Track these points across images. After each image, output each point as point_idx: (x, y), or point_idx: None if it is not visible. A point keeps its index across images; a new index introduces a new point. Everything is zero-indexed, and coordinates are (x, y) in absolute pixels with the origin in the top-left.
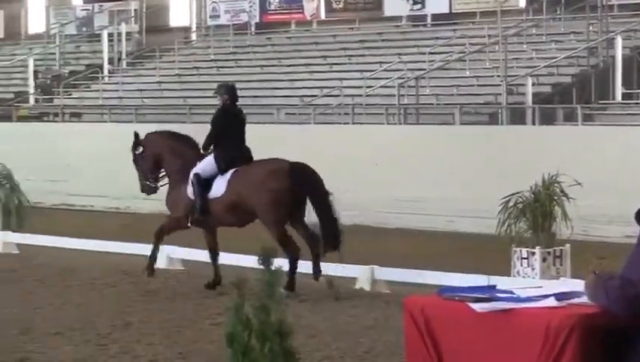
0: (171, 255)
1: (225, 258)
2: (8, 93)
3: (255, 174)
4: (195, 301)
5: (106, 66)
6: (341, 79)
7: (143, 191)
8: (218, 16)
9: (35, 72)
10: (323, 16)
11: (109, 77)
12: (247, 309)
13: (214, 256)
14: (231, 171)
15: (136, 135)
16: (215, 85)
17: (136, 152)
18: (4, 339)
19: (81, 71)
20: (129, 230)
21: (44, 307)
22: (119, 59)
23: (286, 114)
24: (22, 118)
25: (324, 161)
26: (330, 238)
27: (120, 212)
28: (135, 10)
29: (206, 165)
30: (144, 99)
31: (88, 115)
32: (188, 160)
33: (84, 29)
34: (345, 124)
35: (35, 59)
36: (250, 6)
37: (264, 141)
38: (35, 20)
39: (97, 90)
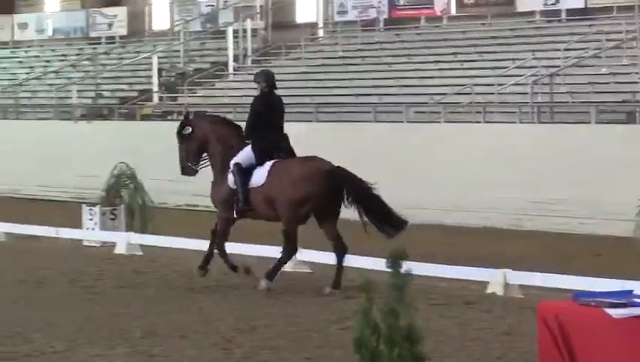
0: (298, 257)
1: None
2: (132, 91)
3: (293, 171)
4: (321, 304)
5: (231, 64)
6: (472, 77)
7: (183, 173)
8: (346, 12)
9: (159, 70)
10: (454, 12)
11: (234, 74)
12: (375, 313)
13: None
14: (271, 162)
15: (186, 115)
16: (344, 82)
17: (184, 132)
18: (128, 343)
19: (206, 68)
20: (250, 231)
21: (168, 309)
22: (244, 57)
23: (415, 112)
24: (145, 117)
25: (455, 160)
26: (387, 226)
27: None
28: (261, 6)
29: (246, 154)
30: None
31: None
32: (232, 148)
33: (209, 25)
34: (476, 123)
35: (159, 57)
36: (379, 1)
37: (390, 140)
38: (159, 17)
39: (222, 89)
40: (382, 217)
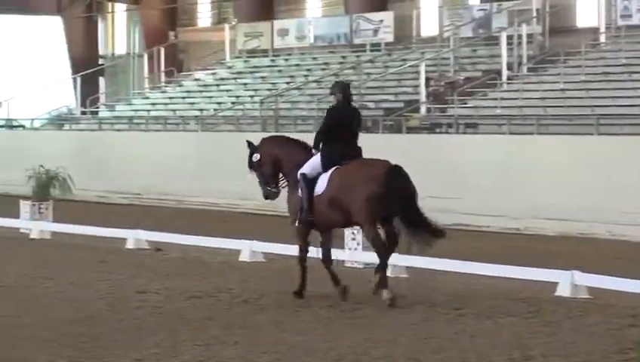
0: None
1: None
2: (398, 102)
3: (353, 174)
4: (601, 333)
5: (505, 72)
6: None
7: (266, 197)
8: (630, 16)
9: (427, 79)
10: None
11: (508, 84)
12: None
13: (327, 256)
14: (333, 168)
15: (250, 143)
16: (627, 92)
17: (254, 160)
18: None
19: (477, 77)
20: (520, 252)
21: (435, 336)
22: (519, 64)
23: None
24: (412, 129)
25: None
26: (418, 235)
27: (518, 233)
28: (537, 9)
29: (312, 164)
30: (546, 109)
31: (485, 126)
32: (301, 161)
33: (481, 31)
34: None
35: (426, 65)
36: None
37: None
38: (428, 22)
39: (495, 99)
40: (421, 223)
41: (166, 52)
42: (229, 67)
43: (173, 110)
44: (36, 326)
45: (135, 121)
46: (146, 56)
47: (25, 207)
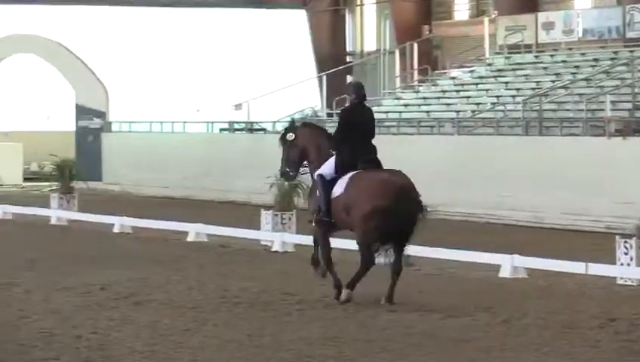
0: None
1: None
2: None
3: (368, 182)
4: None
5: None
6: None
7: (281, 176)
8: None
9: None
10: None
11: None
12: None
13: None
14: (354, 172)
15: (292, 122)
16: None
17: (287, 138)
18: None
19: None
20: None
21: None
22: None
23: None
24: None
25: None
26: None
27: None
28: None
29: (329, 165)
30: None
31: None
32: (327, 160)
33: None
34: None
35: None
36: None
37: None
38: None
39: None
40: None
41: (419, 48)
42: (489, 64)
43: (427, 111)
44: (275, 348)
45: (385, 123)
46: (397, 53)
47: (266, 217)
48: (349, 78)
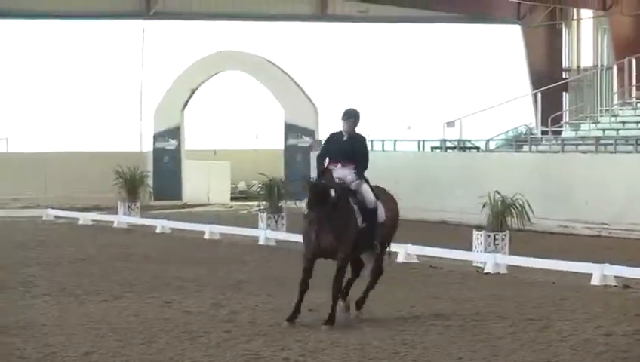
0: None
1: None
2: None
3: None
4: None
5: None
6: None
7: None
8: None
9: None
10: None
11: None
12: None
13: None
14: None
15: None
16: None
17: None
18: None
19: None
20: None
21: None
22: None
23: None
24: None
25: None
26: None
27: None
28: None
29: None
30: None
31: None
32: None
33: None
34: None
35: None
36: None
37: None
38: None
39: None
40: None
41: (638, 63)
42: None
43: None
44: None
45: (602, 141)
46: (615, 69)
47: (478, 237)
48: (566, 96)
